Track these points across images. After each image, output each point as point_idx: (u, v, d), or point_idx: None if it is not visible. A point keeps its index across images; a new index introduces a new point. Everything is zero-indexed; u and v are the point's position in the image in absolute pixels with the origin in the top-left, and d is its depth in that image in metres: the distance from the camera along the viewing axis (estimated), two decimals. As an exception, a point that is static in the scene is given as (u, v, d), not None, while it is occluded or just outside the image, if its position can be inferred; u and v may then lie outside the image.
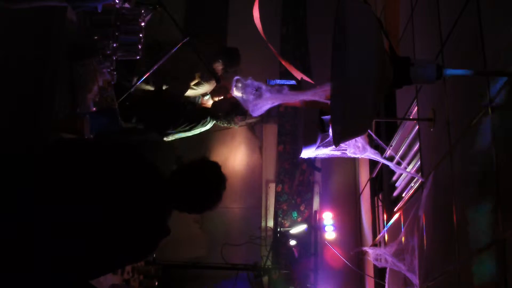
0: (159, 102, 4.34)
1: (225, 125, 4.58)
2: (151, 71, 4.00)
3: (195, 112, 4.45)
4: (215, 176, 2.32)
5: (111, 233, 2.08)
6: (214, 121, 4.49)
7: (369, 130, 2.97)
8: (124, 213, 2.11)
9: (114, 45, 3.02)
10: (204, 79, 4.54)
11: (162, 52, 3.94)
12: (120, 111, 3.14)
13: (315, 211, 5.28)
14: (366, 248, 4.09)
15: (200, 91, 4.61)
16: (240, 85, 3.02)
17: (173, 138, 4.45)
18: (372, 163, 4.46)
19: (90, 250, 2.08)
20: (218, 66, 4.60)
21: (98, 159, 2.20)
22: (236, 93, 3.38)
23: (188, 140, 5.40)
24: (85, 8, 2.84)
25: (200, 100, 4.70)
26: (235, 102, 3.94)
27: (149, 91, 4.27)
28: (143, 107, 4.25)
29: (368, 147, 2.86)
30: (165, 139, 4.43)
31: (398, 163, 3.41)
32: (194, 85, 4.54)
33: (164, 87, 4.40)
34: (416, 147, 3.29)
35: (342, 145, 2.75)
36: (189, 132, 4.42)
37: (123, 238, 2.11)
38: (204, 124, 4.43)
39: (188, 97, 4.64)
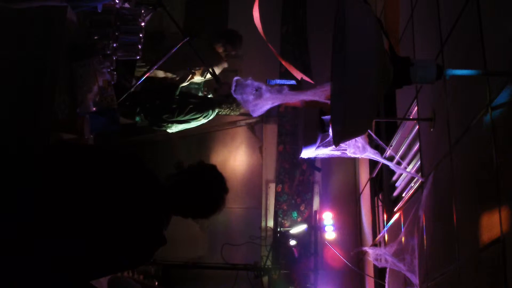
0: (158, 89, 4.36)
1: (226, 112, 4.57)
2: (151, 71, 4.00)
3: (197, 102, 4.45)
4: (214, 179, 2.31)
5: (110, 234, 2.09)
6: (216, 112, 4.49)
7: (369, 130, 2.97)
8: (123, 214, 2.11)
9: (114, 45, 3.02)
10: (203, 76, 4.55)
11: (163, 43, 3.96)
12: (122, 106, 3.14)
13: (315, 211, 5.28)
14: (366, 248, 4.09)
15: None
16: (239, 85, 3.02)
17: (177, 130, 4.45)
18: (372, 163, 4.46)
19: (90, 250, 2.08)
20: (219, 48, 4.59)
21: (98, 161, 2.20)
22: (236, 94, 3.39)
23: (188, 141, 5.41)
24: (85, 8, 2.84)
25: (202, 91, 4.72)
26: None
27: (148, 82, 4.27)
28: (145, 96, 4.26)
29: (368, 147, 2.86)
30: (168, 130, 4.44)
31: (398, 163, 3.41)
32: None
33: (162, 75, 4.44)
34: (416, 147, 3.29)
35: (342, 145, 2.75)
36: (189, 124, 4.41)
37: (121, 239, 2.11)
38: (206, 116, 4.43)
39: (191, 89, 4.65)
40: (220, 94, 4.49)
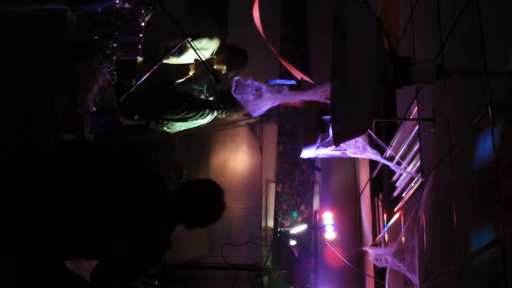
0: (156, 90, 4.36)
1: (225, 115, 4.55)
2: (151, 71, 4.00)
3: (192, 101, 4.43)
4: (214, 193, 2.44)
5: (112, 234, 2.08)
6: (214, 114, 4.47)
7: (369, 130, 2.97)
8: (126, 215, 2.11)
9: (114, 45, 3.02)
10: (199, 75, 4.53)
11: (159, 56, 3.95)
12: (122, 106, 3.14)
13: (315, 211, 5.28)
14: (366, 248, 4.10)
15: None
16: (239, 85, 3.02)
17: (175, 129, 4.44)
18: (372, 163, 4.46)
19: (90, 250, 2.08)
20: (223, 65, 4.57)
21: (105, 162, 2.21)
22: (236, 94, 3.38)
23: (188, 141, 5.41)
24: (85, 11, 2.84)
25: (205, 93, 4.70)
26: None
27: (148, 83, 4.27)
28: (143, 96, 4.26)
29: (368, 147, 2.86)
30: (166, 130, 4.42)
31: (398, 163, 3.41)
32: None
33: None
34: (416, 147, 3.29)
35: (342, 145, 2.75)
36: (187, 123, 4.39)
37: (123, 239, 2.11)
38: (202, 116, 4.41)
39: (193, 91, 4.64)
40: (222, 91, 4.47)
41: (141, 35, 3.12)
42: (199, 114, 4.38)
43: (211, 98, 4.65)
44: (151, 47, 3.98)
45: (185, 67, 4.50)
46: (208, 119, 4.47)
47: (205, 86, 4.72)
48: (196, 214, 2.37)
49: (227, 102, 4.43)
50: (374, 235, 4.40)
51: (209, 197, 2.39)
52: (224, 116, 4.56)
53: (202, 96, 4.68)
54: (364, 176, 5.01)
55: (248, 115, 3.89)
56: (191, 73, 4.51)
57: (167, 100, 4.30)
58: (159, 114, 4.27)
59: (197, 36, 4.01)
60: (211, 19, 4.64)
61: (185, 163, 5.14)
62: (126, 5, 3.19)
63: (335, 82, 2.16)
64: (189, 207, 2.34)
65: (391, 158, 3.47)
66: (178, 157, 4.57)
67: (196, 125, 4.48)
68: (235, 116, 4.66)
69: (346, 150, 2.83)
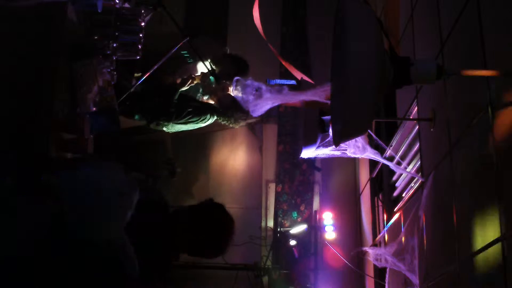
0: (158, 89, 4.36)
1: (225, 123, 4.56)
2: (151, 71, 4.00)
3: (196, 106, 4.44)
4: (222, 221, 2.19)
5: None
6: (215, 118, 4.48)
7: (369, 130, 2.97)
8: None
9: (114, 45, 3.02)
10: (204, 81, 4.54)
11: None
12: (122, 106, 3.14)
13: (315, 211, 5.28)
14: (366, 248, 4.10)
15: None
16: (240, 85, 3.02)
17: (174, 130, 4.45)
18: (372, 163, 4.46)
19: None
20: (224, 75, 4.57)
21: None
22: (236, 93, 3.37)
23: (188, 140, 5.41)
24: (85, 5, 2.84)
25: (201, 97, 4.70)
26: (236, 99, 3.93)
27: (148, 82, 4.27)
28: (144, 96, 4.27)
29: (368, 147, 2.86)
30: (165, 129, 4.44)
31: (398, 163, 3.41)
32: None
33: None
34: (416, 147, 3.29)
35: (342, 145, 2.75)
36: (187, 125, 4.41)
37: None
38: (203, 121, 4.42)
39: (188, 92, 4.65)
40: (222, 105, 4.48)
41: (141, 35, 3.12)
42: (201, 119, 4.40)
43: (206, 98, 4.66)
44: None
45: (189, 75, 4.50)
46: (208, 123, 4.49)
47: (201, 90, 4.72)
48: (201, 244, 2.16)
49: (233, 111, 4.44)
50: (374, 235, 4.40)
51: (216, 226, 2.16)
52: (224, 122, 4.56)
53: (198, 97, 4.68)
54: (364, 176, 5.02)
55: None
56: (195, 82, 4.52)
57: (171, 106, 4.32)
58: (164, 120, 4.30)
59: (196, 37, 4.01)
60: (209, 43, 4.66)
61: (185, 163, 5.15)
62: (126, 5, 3.19)
63: (335, 82, 2.16)
64: (195, 236, 2.14)
65: (391, 158, 3.47)
66: (170, 155, 4.58)
67: (195, 127, 4.49)
68: (236, 126, 4.67)
69: (346, 150, 2.83)
